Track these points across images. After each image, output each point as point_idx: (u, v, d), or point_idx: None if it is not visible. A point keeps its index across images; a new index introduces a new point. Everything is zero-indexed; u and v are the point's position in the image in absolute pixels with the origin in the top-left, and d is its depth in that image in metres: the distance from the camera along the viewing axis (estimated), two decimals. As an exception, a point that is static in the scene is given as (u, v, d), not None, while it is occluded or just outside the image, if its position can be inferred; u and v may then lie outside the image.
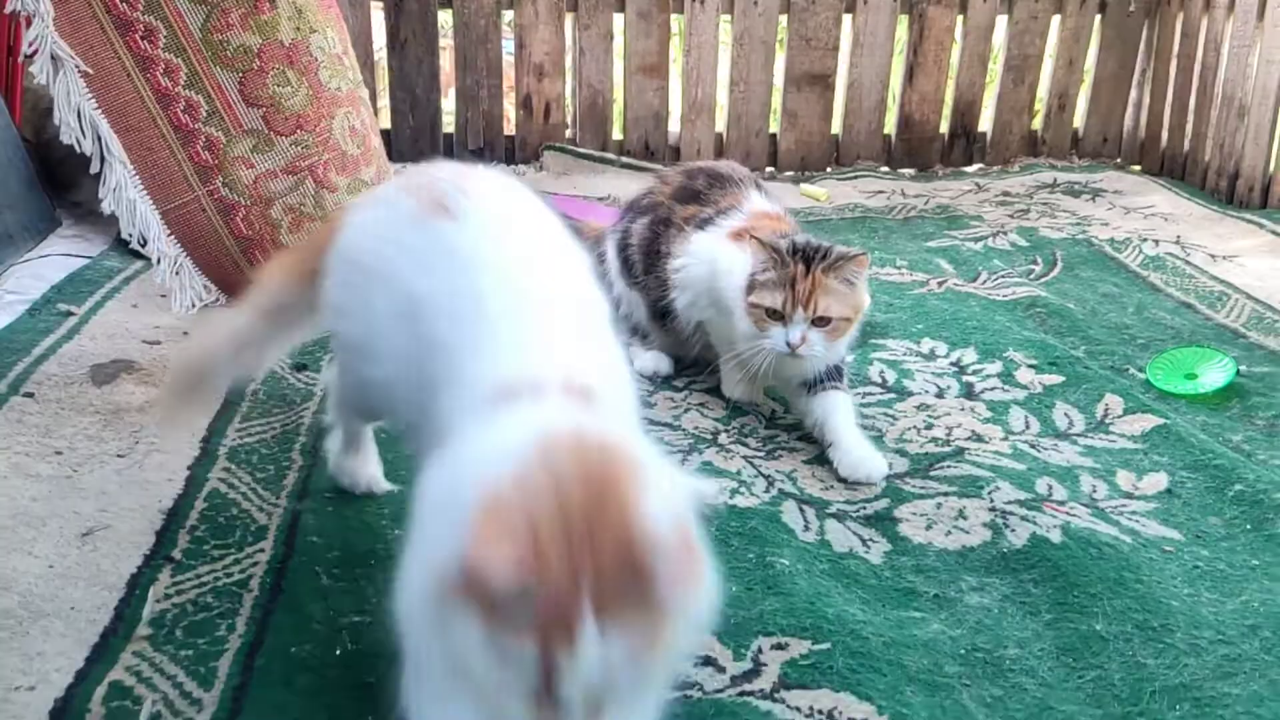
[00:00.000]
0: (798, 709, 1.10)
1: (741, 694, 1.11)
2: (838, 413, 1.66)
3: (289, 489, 1.45)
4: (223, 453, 1.53)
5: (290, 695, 1.08)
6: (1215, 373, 1.91)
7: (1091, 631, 1.24)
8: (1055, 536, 1.41)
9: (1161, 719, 1.10)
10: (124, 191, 1.95)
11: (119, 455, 1.50)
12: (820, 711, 1.10)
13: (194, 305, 2.03)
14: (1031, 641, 1.23)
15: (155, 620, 1.17)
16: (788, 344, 1.61)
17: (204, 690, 1.07)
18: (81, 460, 1.48)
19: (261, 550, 1.32)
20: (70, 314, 1.93)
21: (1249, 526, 1.47)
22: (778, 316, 1.63)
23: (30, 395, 1.61)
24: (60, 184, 2.42)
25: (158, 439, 1.54)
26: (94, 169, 1.95)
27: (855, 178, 3.48)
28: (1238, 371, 1.92)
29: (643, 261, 1.92)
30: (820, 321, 1.62)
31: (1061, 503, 1.52)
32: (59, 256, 2.17)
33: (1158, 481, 1.59)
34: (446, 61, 3.39)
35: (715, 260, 1.76)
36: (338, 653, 1.15)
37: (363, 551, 1.32)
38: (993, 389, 1.89)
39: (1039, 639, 1.23)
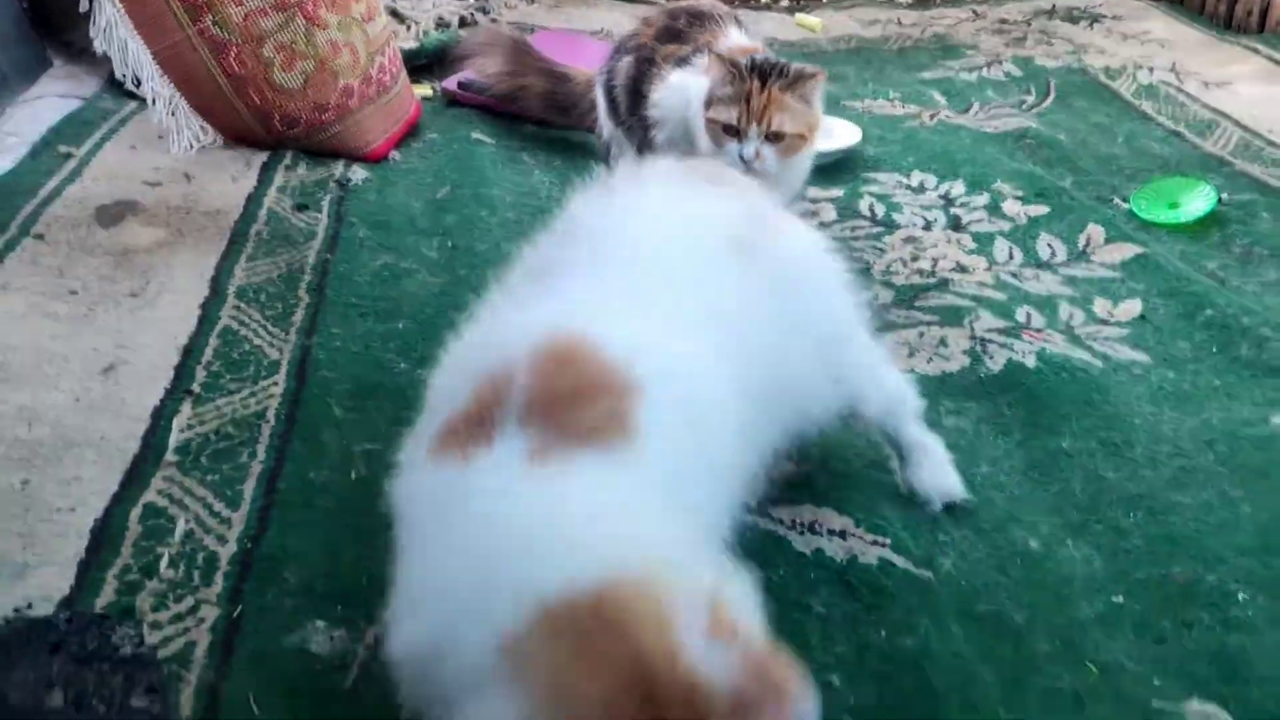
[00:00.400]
0: (780, 520, 1.19)
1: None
2: None
3: (297, 325, 1.51)
4: (231, 291, 1.59)
5: (311, 514, 1.17)
6: (1197, 201, 1.95)
7: (1058, 449, 1.32)
8: (1030, 362, 1.49)
9: (1116, 525, 1.20)
10: (115, 31, 1.94)
11: (131, 294, 1.55)
12: (802, 523, 1.19)
13: (192, 146, 2.04)
14: (1002, 459, 1.31)
15: (180, 449, 1.25)
16: (742, 158, 1.65)
17: (232, 510, 1.16)
18: (96, 300, 1.53)
19: (275, 384, 1.39)
20: (70, 156, 1.94)
21: (1215, 350, 1.54)
22: (734, 132, 1.66)
23: (41, 237, 1.66)
24: (54, 27, 2.39)
25: (167, 279, 1.59)
26: (83, 7, 1.94)
27: (851, 6, 3.42)
28: (1219, 200, 1.96)
29: (627, 101, 1.93)
30: (774, 137, 1.65)
31: (1039, 330, 1.58)
32: (55, 98, 2.17)
33: (1132, 308, 1.65)
34: (431, -114, 3.28)
35: (688, 91, 1.78)
36: (353, 477, 1.23)
37: (371, 384, 1.39)
38: (979, 221, 1.93)
39: (1009, 457, 1.32)
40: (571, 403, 0.81)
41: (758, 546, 1.15)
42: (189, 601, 1.04)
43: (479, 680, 0.68)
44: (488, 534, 0.75)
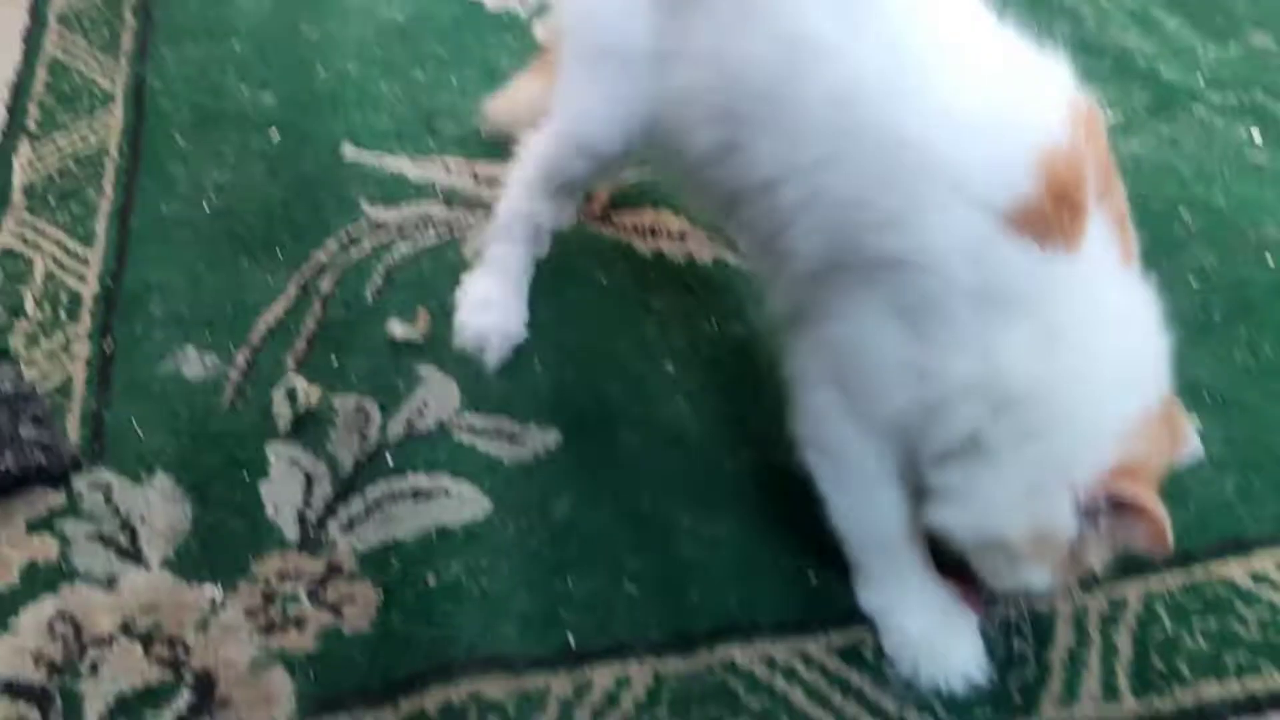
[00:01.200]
0: (623, 226, 1.26)
1: (578, 221, 1.27)
2: None
3: (128, 53, 1.47)
4: (52, 18, 1.52)
5: (168, 249, 1.20)
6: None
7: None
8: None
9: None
10: None
11: (-56, 26, 1.48)
12: (643, 227, 1.26)
13: None
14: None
15: (26, 190, 1.25)
16: None
17: (88, 249, 1.19)
18: (-94, 36, 1.46)
19: (113, 116, 1.36)
20: None
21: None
22: None
23: None
24: None
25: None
26: None
27: None
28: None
29: None
30: None
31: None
32: None
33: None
34: None
35: None
36: (206, 210, 1.25)
37: (213, 112, 1.38)
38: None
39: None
40: None
41: (603, 252, 1.23)
42: (60, 339, 1.09)
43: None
44: None
